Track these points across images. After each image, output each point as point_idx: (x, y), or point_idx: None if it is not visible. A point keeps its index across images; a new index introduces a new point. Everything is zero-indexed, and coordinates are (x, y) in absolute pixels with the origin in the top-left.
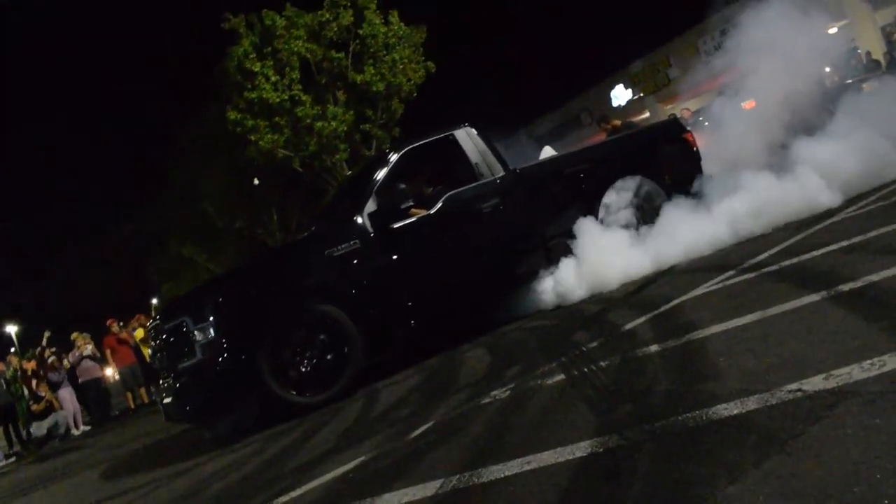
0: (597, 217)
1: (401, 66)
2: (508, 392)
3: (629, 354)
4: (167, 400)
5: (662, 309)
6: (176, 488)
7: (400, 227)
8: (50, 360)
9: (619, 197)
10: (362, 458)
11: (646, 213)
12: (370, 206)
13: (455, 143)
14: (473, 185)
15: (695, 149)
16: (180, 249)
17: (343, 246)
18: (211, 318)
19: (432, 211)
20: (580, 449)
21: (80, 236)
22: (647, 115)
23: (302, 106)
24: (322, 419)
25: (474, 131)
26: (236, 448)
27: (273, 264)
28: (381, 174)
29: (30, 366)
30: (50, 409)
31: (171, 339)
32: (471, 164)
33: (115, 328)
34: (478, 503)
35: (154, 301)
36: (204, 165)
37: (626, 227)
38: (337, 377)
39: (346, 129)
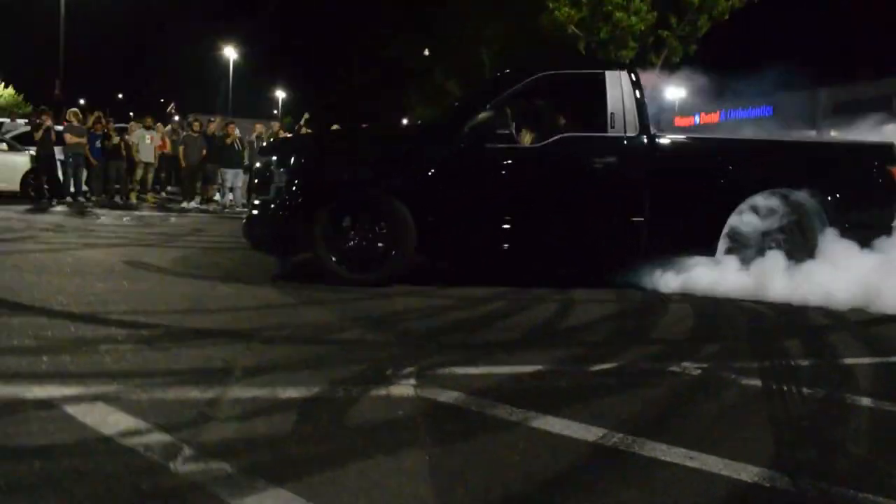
0: (722, 226)
1: None
2: (699, 371)
3: (837, 395)
4: (244, 221)
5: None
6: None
7: (494, 148)
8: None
9: (764, 210)
10: (539, 367)
11: (794, 245)
12: (480, 118)
13: (601, 84)
14: (597, 135)
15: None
16: (445, 81)
17: (436, 149)
18: (292, 167)
19: (538, 145)
20: (748, 472)
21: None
22: None
23: None
24: (519, 303)
25: (629, 78)
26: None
27: (373, 144)
28: (504, 91)
29: None
30: None
31: (260, 172)
32: (607, 112)
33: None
34: (632, 476)
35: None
36: (495, 16)
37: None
38: (381, 263)
39: (643, 27)
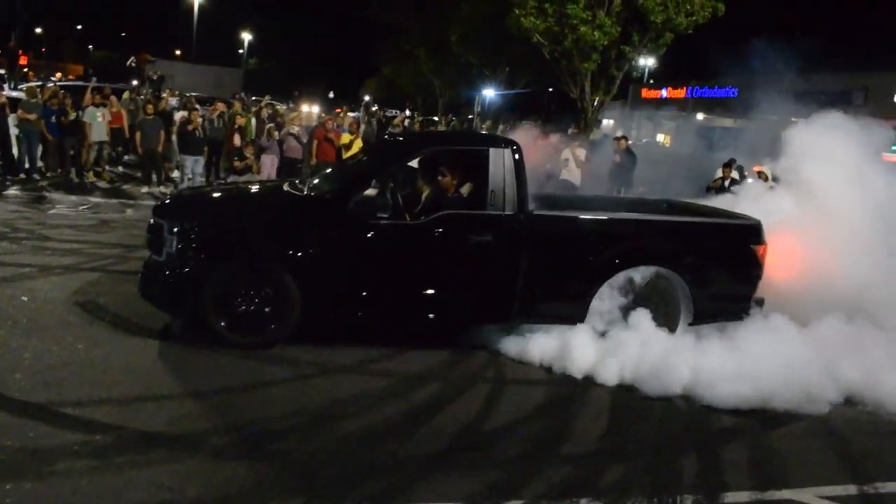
0: (592, 294)
1: (687, 6)
2: None
3: None
4: (139, 275)
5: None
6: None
7: (378, 223)
8: (268, 128)
9: (632, 284)
10: None
11: (660, 317)
12: (366, 193)
13: (484, 161)
14: (476, 212)
15: (759, 267)
16: (414, 49)
17: (322, 222)
18: (180, 232)
19: (420, 221)
20: None
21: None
22: None
23: (575, 4)
24: (448, 388)
25: (512, 156)
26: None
27: (260, 213)
28: (391, 165)
29: (241, 121)
30: (247, 171)
31: (154, 230)
32: (487, 188)
33: (329, 124)
34: None
35: (366, 99)
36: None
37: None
38: (267, 328)
39: (606, 42)
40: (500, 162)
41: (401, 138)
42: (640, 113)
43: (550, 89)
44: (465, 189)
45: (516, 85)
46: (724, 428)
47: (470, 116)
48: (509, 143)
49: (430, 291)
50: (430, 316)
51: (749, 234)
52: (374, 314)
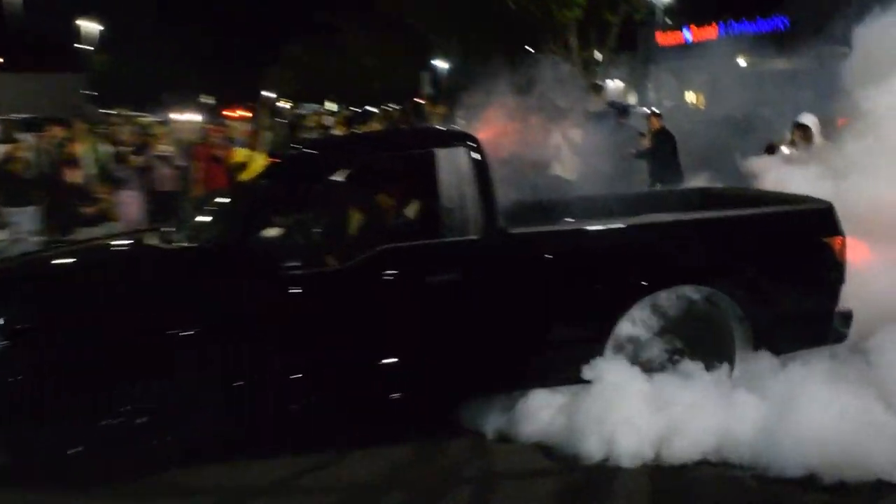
0: (607, 336)
1: None
2: None
3: None
4: None
5: None
6: None
7: (291, 276)
8: (121, 152)
9: (660, 316)
10: None
11: (707, 357)
12: (266, 231)
13: (431, 168)
14: (427, 242)
15: (837, 267)
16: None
17: (206, 286)
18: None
19: (348, 265)
20: None
21: None
22: None
23: None
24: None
25: (469, 156)
26: None
27: (119, 284)
28: (300, 188)
29: (73, 149)
30: (103, 219)
31: None
32: (439, 207)
33: (214, 137)
34: None
35: (266, 95)
36: None
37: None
38: (148, 445)
39: None
40: (453, 167)
41: (312, 148)
42: (658, 66)
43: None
44: (411, 210)
45: (477, 54)
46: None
47: (419, 101)
48: (464, 139)
49: (388, 361)
50: (393, 396)
51: (817, 222)
52: (309, 406)
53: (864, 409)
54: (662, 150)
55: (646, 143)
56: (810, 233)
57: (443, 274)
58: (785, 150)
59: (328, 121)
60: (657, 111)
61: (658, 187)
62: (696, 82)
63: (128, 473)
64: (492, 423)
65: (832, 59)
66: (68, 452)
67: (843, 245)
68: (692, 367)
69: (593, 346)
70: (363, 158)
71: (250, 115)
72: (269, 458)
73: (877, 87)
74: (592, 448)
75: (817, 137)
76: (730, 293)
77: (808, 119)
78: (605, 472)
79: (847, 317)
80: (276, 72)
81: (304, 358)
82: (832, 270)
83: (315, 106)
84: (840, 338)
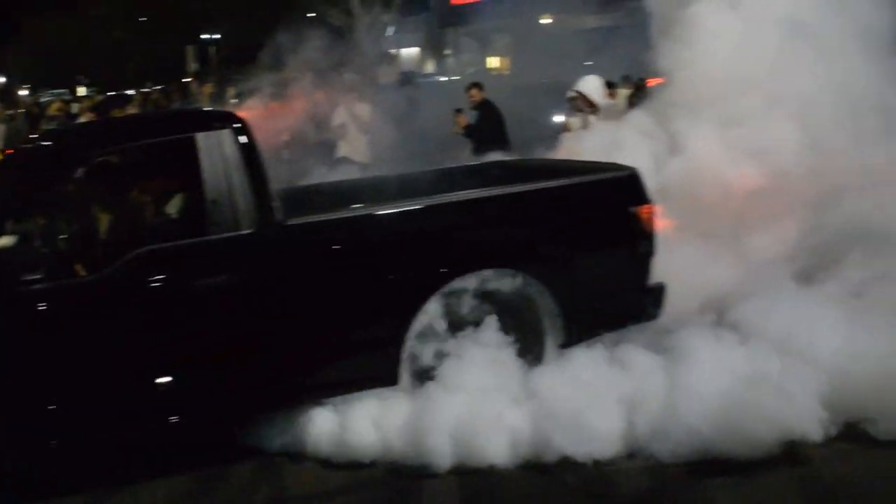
0: (406, 327)
1: None
2: None
3: None
4: None
5: None
6: None
7: (32, 290)
8: None
9: (460, 308)
10: None
11: (512, 340)
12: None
13: (191, 155)
14: (191, 241)
15: (646, 238)
16: None
17: None
18: None
19: (99, 275)
20: None
21: None
22: None
23: None
24: None
25: (235, 139)
26: None
27: None
28: (38, 188)
29: None
30: None
31: None
32: (204, 199)
33: None
34: None
35: None
36: None
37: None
38: None
39: None
40: (217, 153)
41: (48, 140)
42: (456, 31)
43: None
44: (173, 206)
45: (250, 22)
46: (640, 494)
47: (185, 80)
48: (227, 120)
49: (160, 381)
50: (172, 420)
51: (622, 191)
52: (69, 438)
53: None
54: (487, 123)
55: (463, 120)
56: (615, 202)
57: (213, 276)
58: (567, 118)
59: (75, 108)
60: (477, 82)
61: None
62: (498, 45)
63: None
64: (279, 441)
65: (645, 14)
66: None
67: (652, 214)
68: (503, 356)
69: (390, 346)
70: (111, 149)
71: None
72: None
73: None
74: (400, 455)
75: (601, 101)
76: (535, 274)
77: (587, 85)
78: (409, 483)
79: (660, 291)
80: (8, 54)
81: (57, 385)
82: (641, 242)
83: (62, 91)
84: (654, 314)
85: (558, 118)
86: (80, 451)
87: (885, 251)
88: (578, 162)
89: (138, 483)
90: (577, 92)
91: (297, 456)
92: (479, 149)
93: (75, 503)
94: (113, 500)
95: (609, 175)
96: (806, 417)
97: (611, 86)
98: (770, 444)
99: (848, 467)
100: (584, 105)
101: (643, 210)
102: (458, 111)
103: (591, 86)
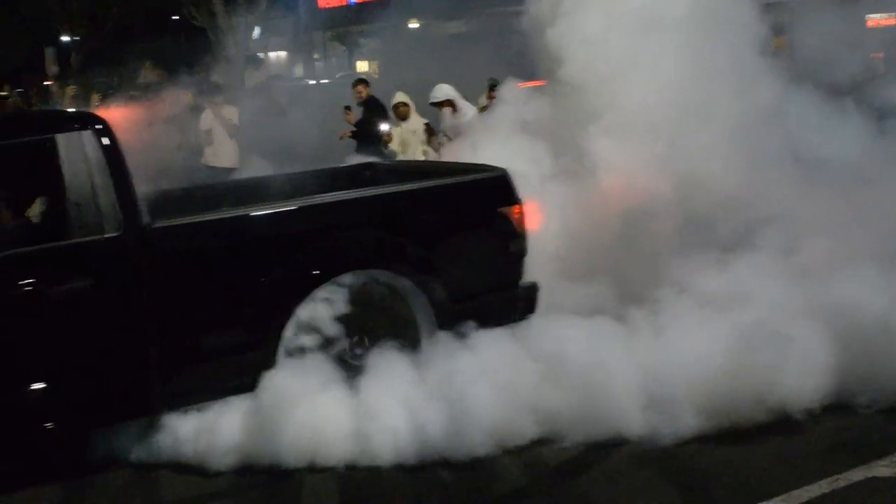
0: (276, 337)
1: None
2: None
3: None
4: None
5: None
6: None
7: None
8: None
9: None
10: None
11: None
12: None
13: (52, 157)
14: (53, 245)
15: (517, 238)
16: None
17: None
18: None
19: None
20: None
21: None
22: None
23: None
24: None
25: (98, 141)
26: None
27: None
28: None
29: None
30: None
31: None
32: (65, 203)
33: None
34: None
35: None
36: None
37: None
38: None
39: None
40: (79, 154)
41: None
42: (325, 35)
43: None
44: (35, 210)
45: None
46: (516, 489)
47: (46, 83)
48: (89, 121)
49: (37, 386)
50: (48, 426)
51: (492, 191)
52: None
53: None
54: (375, 117)
55: (352, 117)
56: (485, 203)
57: (77, 280)
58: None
59: None
60: (363, 78)
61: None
62: (366, 50)
63: None
64: (146, 450)
65: (506, 20)
66: None
67: (522, 214)
68: (376, 357)
69: (260, 349)
70: None
71: None
72: None
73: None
74: (279, 457)
75: (414, 115)
76: (406, 275)
77: (440, 92)
78: (282, 487)
79: (533, 290)
80: None
81: None
82: (512, 241)
83: None
84: (528, 312)
85: (383, 127)
86: None
87: None
88: (450, 163)
89: (12, 492)
90: (447, 99)
91: (169, 464)
92: (364, 146)
93: None
94: None
95: (479, 176)
96: None
97: (493, 88)
98: None
99: None
100: (451, 111)
101: (513, 210)
102: (347, 108)
103: (444, 93)
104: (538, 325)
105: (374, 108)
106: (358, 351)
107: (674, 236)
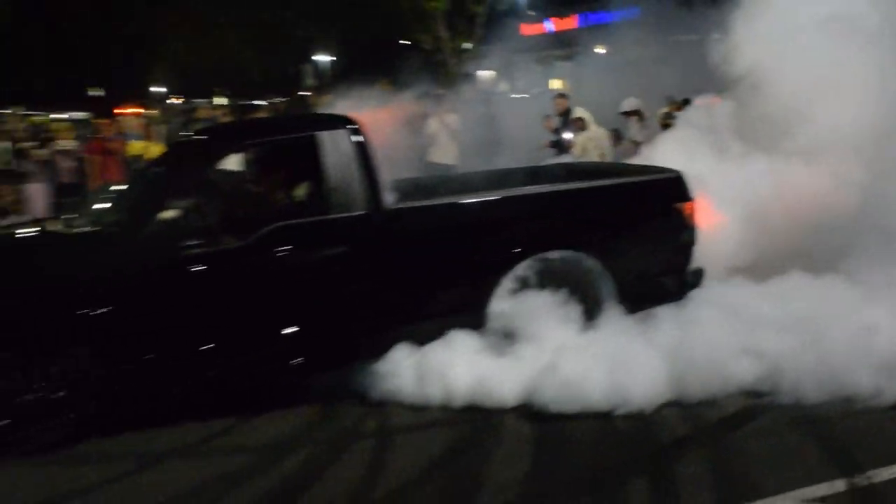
0: (486, 301)
1: None
2: None
3: None
4: None
5: None
6: None
7: (186, 254)
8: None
9: (531, 282)
10: None
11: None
12: (163, 217)
13: (315, 151)
14: (314, 219)
15: (689, 230)
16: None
17: (111, 265)
18: None
19: (242, 243)
20: None
21: None
22: None
23: None
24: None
25: (350, 138)
26: None
27: (28, 266)
28: (194, 173)
29: None
30: (6, 213)
31: None
32: (326, 186)
33: (108, 131)
34: None
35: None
36: None
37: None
38: (64, 418)
39: None
40: (336, 148)
41: (202, 136)
42: (526, 56)
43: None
44: (301, 191)
45: (354, 46)
46: (677, 439)
47: (303, 93)
48: (345, 122)
49: (288, 331)
50: (295, 362)
51: (669, 189)
52: (216, 375)
53: None
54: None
55: (551, 124)
56: (663, 199)
57: (332, 247)
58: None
59: (217, 112)
60: (563, 93)
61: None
62: (559, 70)
63: (48, 444)
64: (379, 385)
65: (684, 46)
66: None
67: (693, 210)
68: (567, 322)
69: (471, 312)
70: (250, 143)
71: (142, 110)
72: (180, 425)
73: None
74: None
75: (591, 126)
76: (594, 256)
77: (629, 104)
78: (491, 423)
79: (699, 274)
80: (162, 69)
81: (209, 329)
82: (684, 233)
83: (203, 101)
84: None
85: (567, 136)
86: (224, 383)
87: None
88: (633, 165)
89: (270, 412)
90: (634, 110)
91: (394, 398)
92: (561, 151)
93: (217, 426)
94: (251, 424)
95: (658, 176)
96: None
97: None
98: None
99: None
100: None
101: (686, 206)
102: (547, 116)
103: (632, 105)
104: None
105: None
106: (552, 312)
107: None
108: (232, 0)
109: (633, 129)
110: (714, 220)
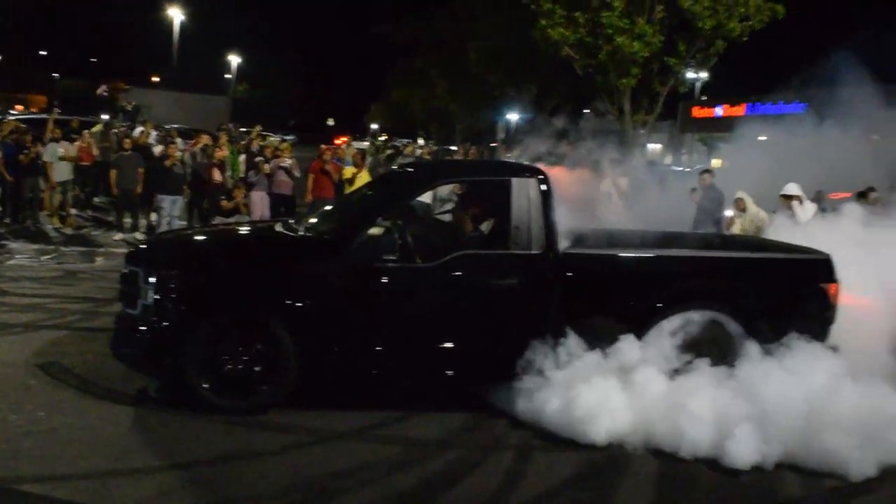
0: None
1: (741, 9)
2: None
3: None
4: (112, 335)
5: None
6: None
7: (384, 266)
8: (257, 161)
9: (677, 332)
10: None
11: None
12: (370, 233)
13: (506, 193)
14: (496, 252)
15: (830, 309)
16: (426, 68)
17: (320, 266)
18: (159, 282)
19: (432, 264)
20: None
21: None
22: None
23: (610, 12)
24: (468, 458)
25: (538, 187)
26: None
27: (248, 257)
28: (398, 201)
29: (219, 154)
30: (235, 211)
31: (127, 280)
32: (510, 224)
33: (327, 156)
34: None
35: (373, 127)
36: (490, 12)
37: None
38: (258, 390)
39: (647, 53)
40: (524, 194)
41: (410, 169)
42: (692, 135)
43: (586, 111)
44: (486, 226)
45: (545, 107)
46: (793, 498)
47: (493, 144)
48: (535, 172)
49: (448, 345)
50: (448, 373)
51: (817, 270)
52: (385, 372)
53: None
54: (709, 202)
55: (696, 197)
56: (810, 278)
57: (506, 278)
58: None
59: (419, 151)
60: (709, 169)
61: None
62: (722, 150)
63: (241, 409)
64: (520, 404)
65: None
66: (205, 386)
67: (837, 291)
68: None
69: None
70: (449, 180)
71: (352, 141)
72: (348, 411)
73: None
74: (603, 433)
75: (752, 207)
76: (736, 319)
77: (791, 189)
78: (625, 453)
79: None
80: (380, 109)
81: (387, 332)
82: (826, 311)
83: (406, 140)
84: None
85: (727, 213)
86: (390, 380)
87: None
88: (789, 244)
89: (425, 413)
90: (795, 195)
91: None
92: (698, 219)
93: (379, 416)
94: (408, 420)
95: (809, 256)
96: None
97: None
98: None
99: None
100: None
101: (831, 287)
102: (693, 190)
103: (794, 190)
104: None
105: (711, 194)
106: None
107: None
108: (447, 57)
109: (798, 212)
110: (858, 304)
